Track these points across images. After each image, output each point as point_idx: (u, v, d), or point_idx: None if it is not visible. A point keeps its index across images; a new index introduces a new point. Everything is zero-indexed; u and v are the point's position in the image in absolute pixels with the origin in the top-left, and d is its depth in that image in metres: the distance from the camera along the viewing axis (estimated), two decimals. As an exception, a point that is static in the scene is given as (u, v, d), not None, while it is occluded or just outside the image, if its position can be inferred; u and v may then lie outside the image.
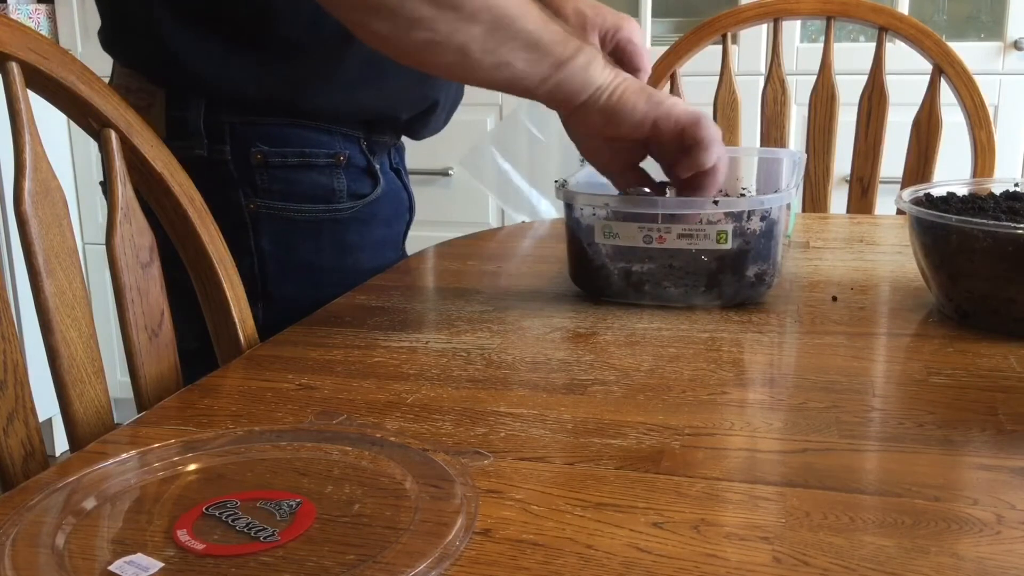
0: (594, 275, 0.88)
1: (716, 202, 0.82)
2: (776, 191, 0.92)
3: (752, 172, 1.04)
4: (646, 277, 0.85)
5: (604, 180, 0.90)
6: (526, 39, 0.74)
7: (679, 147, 0.79)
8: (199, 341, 0.86)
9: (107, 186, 0.76)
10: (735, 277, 0.85)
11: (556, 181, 0.89)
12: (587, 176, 0.96)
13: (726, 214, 0.82)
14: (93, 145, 0.83)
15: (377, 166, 1.00)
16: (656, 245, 0.84)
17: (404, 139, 1.07)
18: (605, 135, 0.80)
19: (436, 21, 0.71)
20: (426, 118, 1.02)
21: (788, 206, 0.88)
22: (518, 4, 0.74)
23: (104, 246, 0.76)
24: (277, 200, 0.93)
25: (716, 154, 0.78)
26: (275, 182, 0.92)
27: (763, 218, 0.83)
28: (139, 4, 0.89)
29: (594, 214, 0.85)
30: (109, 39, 0.95)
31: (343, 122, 0.95)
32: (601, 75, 0.78)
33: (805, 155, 1.01)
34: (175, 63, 0.89)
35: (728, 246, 0.83)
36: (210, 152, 0.91)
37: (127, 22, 0.92)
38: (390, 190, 1.02)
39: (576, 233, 0.88)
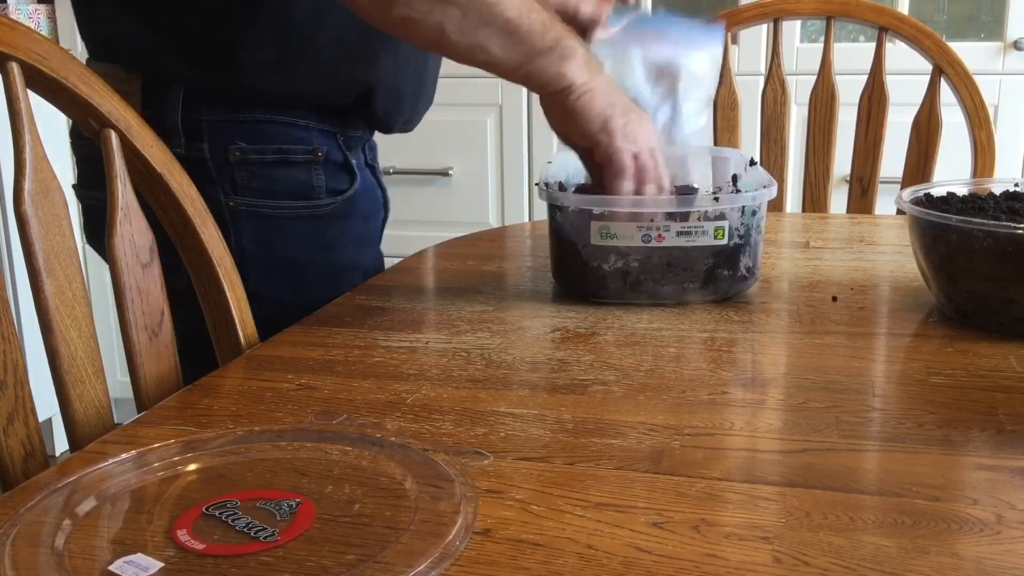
0: (588, 277, 0.87)
1: (716, 198, 0.83)
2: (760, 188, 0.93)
3: (707, 171, 1.04)
4: (643, 276, 0.85)
5: (576, 176, 0.90)
6: (502, 25, 0.76)
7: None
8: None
9: (107, 186, 0.76)
10: (729, 272, 0.86)
11: (537, 184, 0.88)
12: (568, 174, 0.95)
13: (726, 210, 0.83)
14: (93, 145, 0.83)
15: (354, 161, 0.99)
16: (656, 244, 0.84)
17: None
18: (558, 131, 0.84)
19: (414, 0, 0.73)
20: (373, 104, 0.98)
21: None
22: None
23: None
24: (256, 197, 0.92)
25: (622, 193, 0.83)
26: (254, 179, 0.92)
27: (754, 212, 0.85)
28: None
29: (591, 216, 0.85)
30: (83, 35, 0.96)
31: (299, 105, 0.94)
32: (576, 74, 0.81)
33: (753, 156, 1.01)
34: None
35: (725, 241, 0.84)
36: (188, 150, 0.90)
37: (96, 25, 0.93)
38: (366, 186, 1.02)
39: (566, 235, 0.87)
